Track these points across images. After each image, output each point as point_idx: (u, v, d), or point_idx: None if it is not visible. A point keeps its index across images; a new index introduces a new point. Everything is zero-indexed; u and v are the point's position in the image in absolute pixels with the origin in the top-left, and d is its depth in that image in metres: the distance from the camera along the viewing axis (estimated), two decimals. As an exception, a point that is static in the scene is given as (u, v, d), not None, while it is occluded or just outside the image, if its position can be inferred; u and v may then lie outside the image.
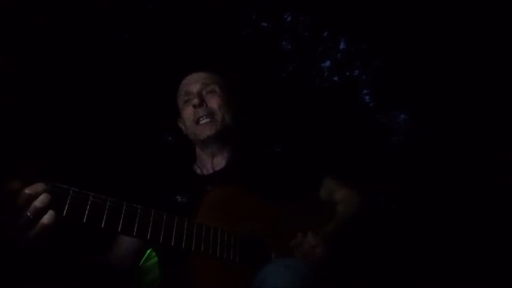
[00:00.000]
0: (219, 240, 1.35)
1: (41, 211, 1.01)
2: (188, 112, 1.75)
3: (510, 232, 2.54)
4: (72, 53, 2.51)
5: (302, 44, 2.99)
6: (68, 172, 1.11)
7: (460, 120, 2.80)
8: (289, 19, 2.98)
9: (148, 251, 1.80)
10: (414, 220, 2.80)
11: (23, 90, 2.25)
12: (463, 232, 2.69)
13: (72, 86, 2.52)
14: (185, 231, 1.26)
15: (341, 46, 2.98)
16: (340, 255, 1.45)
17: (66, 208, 1.03)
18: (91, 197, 1.07)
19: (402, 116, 2.94)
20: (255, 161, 1.80)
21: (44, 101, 2.34)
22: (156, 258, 1.76)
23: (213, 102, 1.73)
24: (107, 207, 1.09)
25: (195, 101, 1.71)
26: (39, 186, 1.02)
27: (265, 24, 2.99)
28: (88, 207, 1.06)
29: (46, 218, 1.02)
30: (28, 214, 1.00)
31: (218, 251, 1.33)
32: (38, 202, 1.01)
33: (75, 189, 1.05)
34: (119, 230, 1.10)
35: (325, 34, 2.99)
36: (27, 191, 1.00)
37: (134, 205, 1.15)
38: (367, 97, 2.98)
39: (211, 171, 1.76)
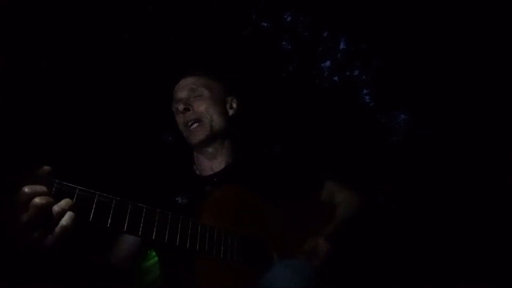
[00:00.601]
0: (222, 241, 1.34)
1: (42, 212, 1.00)
2: (179, 119, 1.77)
3: (510, 232, 2.55)
4: (73, 53, 2.50)
5: (302, 44, 2.99)
6: (68, 172, 1.10)
7: (460, 120, 2.80)
8: (289, 19, 2.98)
9: (149, 251, 1.80)
10: (414, 220, 2.81)
11: (24, 90, 2.24)
12: (463, 232, 2.69)
13: (73, 86, 2.51)
14: (189, 231, 1.25)
15: (341, 46, 2.99)
16: (341, 256, 1.46)
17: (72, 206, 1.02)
18: (97, 196, 1.06)
19: (402, 116, 2.94)
20: (255, 162, 1.80)
21: (45, 101, 2.34)
22: (156, 258, 1.76)
23: (200, 105, 1.73)
24: (113, 206, 1.08)
25: (181, 107, 1.72)
26: (38, 187, 1.01)
27: (265, 24, 2.99)
28: (94, 206, 1.05)
29: (65, 220, 1.02)
30: (31, 214, 1.00)
31: (222, 252, 1.33)
32: (38, 200, 1.00)
33: (81, 188, 1.05)
34: (124, 229, 1.10)
35: (325, 34, 2.99)
36: (26, 190, 0.99)
37: (140, 204, 1.15)
38: (367, 97, 2.99)
39: (210, 172, 1.76)
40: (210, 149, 1.74)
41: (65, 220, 1.02)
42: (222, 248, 1.33)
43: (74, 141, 2.41)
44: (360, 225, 1.71)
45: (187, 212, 1.35)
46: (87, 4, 2.55)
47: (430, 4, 2.79)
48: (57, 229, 1.02)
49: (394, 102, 2.94)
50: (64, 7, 2.47)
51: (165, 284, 1.61)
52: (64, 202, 1.02)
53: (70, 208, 1.02)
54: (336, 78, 3.01)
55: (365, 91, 2.99)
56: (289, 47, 3.02)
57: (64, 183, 1.03)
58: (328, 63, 3.01)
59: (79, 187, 1.05)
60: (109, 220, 1.07)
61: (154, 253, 1.77)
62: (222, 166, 1.76)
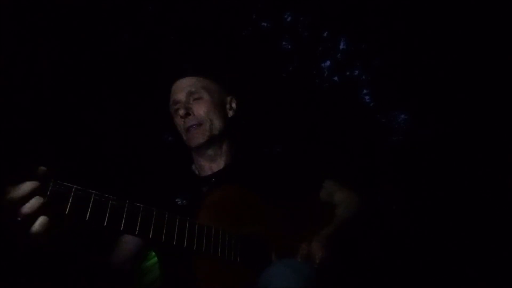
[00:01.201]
0: (220, 241, 1.34)
1: (30, 216, 1.00)
2: (177, 121, 1.75)
3: (510, 232, 2.54)
4: (73, 53, 2.51)
5: (302, 44, 2.99)
6: (68, 172, 1.10)
7: (460, 120, 2.80)
8: (289, 19, 2.98)
9: (148, 251, 1.80)
10: (414, 220, 2.80)
11: (24, 90, 2.25)
12: (463, 232, 2.69)
13: (72, 86, 2.51)
14: (186, 231, 1.25)
15: (341, 46, 2.98)
16: (340, 256, 1.45)
17: (68, 206, 1.02)
18: (93, 195, 1.06)
19: (402, 116, 2.94)
20: (255, 162, 1.79)
21: (45, 101, 2.34)
22: (156, 258, 1.76)
23: (200, 109, 1.71)
24: (109, 205, 1.08)
25: (181, 112, 1.70)
26: (28, 185, 1.00)
27: (265, 24, 2.99)
28: (90, 205, 1.05)
29: (35, 227, 1.01)
30: (23, 214, 1.00)
31: (219, 251, 1.32)
32: (25, 208, 1.00)
33: (78, 187, 1.05)
34: (121, 228, 1.10)
35: (325, 34, 2.99)
36: (22, 188, 0.99)
37: (136, 204, 1.15)
38: (367, 97, 2.98)
39: (209, 173, 1.76)
40: (209, 151, 1.74)
41: (36, 225, 1.01)
42: (219, 247, 1.33)
43: (72, 141, 2.41)
44: (359, 225, 1.71)
45: (186, 212, 1.35)
46: (87, 4, 2.55)
47: (430, 4, 2.79)
48: (32, 230, 1.01)
49: (394, 102, 2.94)
50: (64, 7, 2.47)
51: (165, 284, 1.61)
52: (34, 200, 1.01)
53: (42, 206, 1.01)
54: (336, 78, 3.01)
55: (365, 91, 2.99)
56: (289, 47, 3.02)
57: (60, 182, 1.03)
58: (328, 63, 3.01)
59: (75, 186, 1.05)
60: (106, 220, 1.07)
61: (154, 253, 1.77)
62: (222, 166, 1.76)
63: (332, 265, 1.36)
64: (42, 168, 1.04)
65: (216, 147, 1.75)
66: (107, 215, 1.08)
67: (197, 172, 1.79)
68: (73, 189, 1.04)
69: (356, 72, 3.00)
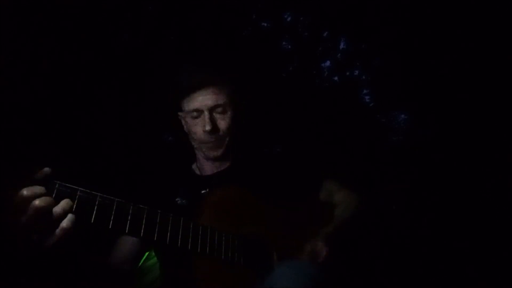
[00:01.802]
0: (223, 242, 1.35)
1: (42, 214, 1.00)
2: (197, 129, 1.71)
3: (510, 232, 2.55)
4: (73, 53, 2.50)
5: (302, 44, 2.98)
6: (69, 173, 1.10)
7: (460, 120, 2.81)
8: (289, 19, 2.98)
9: (148, 251, 1.80)
10: (414, 220, 2.81)
11: (24, 91, 2.24)
12: (463, 232, 2.69)
13: (72, 86, 2.51)
14: (191, 233, 1.25)
15: (341, 46, 2.98)
16: (341, 256, 1.46)
17: (74, 208, 1.02)
18: (98, 198, 1.06)
19: (402, 116, 2.94)
20: (256, 162, 1.80)
21: (45, 101, 2.33)
22: (156, 258, 1.76)
23: (224, 124, 1.69)
24: (114, 207, 1.08)
25: (208, 128, 1.66)
26: (37, 189, 1.01)
27: (265, 24, 2.98)
28: (96, 207, 1.05)
29: (65, 222, 1.02)
30: (30, 216, 1.00)
31: (222, 253, 1.33)
32: (37, 202, 1.00)
33: (82, 189, 1.05)
34: (126, 231, 1.10)
35: (325, 34, 2.99)
36: (25, 192, 0.99)
37: (141, 206, 1.15)
38: (367, 97, 2.98)
39: (210, 172, 1.76)
40: (216, 160, 1.75)
41: (66, 222, 1.02)
42: (222, 249, 1.33)
43: (74, 142, 2.41)
44: (359, 225, 1.72)
45: (186, 212, 1.35)
46: (87, 4, 2.54)
47: (430, 4, 2.79)
48: (58, 231, 1.02)
49: (394, 102, 2.94)
50: (64, 7, 2.47)
51: (165, 284, 1.61)
52: (64, 203, 1.02)
53: (70, 209, 1.02)
54: (336, 78, 3.01)
55: (365, 91, 2.99)
56: (289, 47, 3.01)
57: (65, 184, 1.03)
58: (328, 63, 3.00)
59: (80, 188, 1.04)
60: (111, 222, 1.07)
61: (154, 253, 1.77)
62: (223, 167, 1.76)
63: (333, 265, 1.36)
64: (46, 169, 1.04)
65: (224, 156, 1.75)
66: (112, 217, 1.08)
67: (197, 172, 1.79)
68: (78, 191, 1.04)
69: (356, 72, 3.00)
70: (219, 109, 1.69)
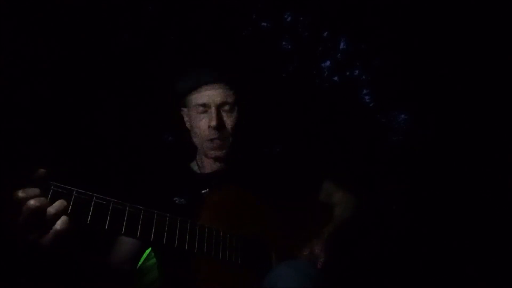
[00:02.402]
0: (221, 242, 1.34)
1: (54, 217, 1.01)
2: (202, 125, 1.71)
3: (510, 232, 2.54)
4: (73, 53, 2.50)
5: (302, 44, 2.98)
6: (65, 174, 1.10)
7: (460, 120, 2.80)
8: (289, 19, 2.97)
9: (148, 251, 1.80)
10: (414, 220, 2.81)
11: (23, 90, 2.24)
12: (463, 232, 2.69)
13: (73, 86, 2.51)
14: (188, 233, 1.25)
15: (341, 46, 2.98)
16: (340, 256, 1.46)
17: (69, 209, 1.02)
18: (94, 198, 1.06)
19: (402, 116, 2.94)
20: (255, 162, 1.79)
21: (45, 101, 2.33)
22: (156, 258, 1.76)
23: (229, 124, 1.68)
24: (110, 208, 1.08)
25: (214, 124, 1.65)
26: (31, 190, 1.01)
27: (265, 24, 2.98)
28: (91, 208, 1.05)
29: (59, 224, 1.02)
30: (26, 217, 1.00)
31: (220, 253, 1.32)
32: (32, 202, 1.00)
33: (79, 190, 1.05)
34: (122, 231, 1.10)
35: (325, 34, 2.99)
36: (20, 193, 0.99)
37: (138, 206, 1.15)
38: (367, 97, 2.98)
39: (209, 170, 1.76)
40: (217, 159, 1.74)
41: (59, 224, 1.02)
42: (220, 249, 1.33)
43: (72, 142, 2.41)
44: (359, 225, 1.71)
45: (185, 212, 1.35)
46: (87, 4, 2.54)
47: (430, 5, 2.78)
48: (52, 232, 1.02)
49: (394, 102, 2.94)
50: (64, 7, 2.47)
51: (165, 284, 1.61)
52: (59, 203, 1.02)
53: (65, 209, 1.02)
54: (336, 78, 3.00)
55: (365, 91, 2.99)
56: (289, 47, 3.01)
57: (61, 185, 1.03)
58: (328, 63, 3.00)
59: (76, 189, 1.04)
60: (107, 223, 1.07)
61: (154, 253, 1.77)
62: (223, 166, 1.76)
63: (333, 265, 1.36)
64: (42, 170, 1.04)
65: (227, 155, 1.74)
66: (108, 218, 1.07)
67: (197, 170, 1.79)
68: (74, 192, 1.04)
69: (356, 72, 2.99)
70: (227, 107, 1.68)
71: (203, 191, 1.62)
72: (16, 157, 1.01)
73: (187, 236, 1.24)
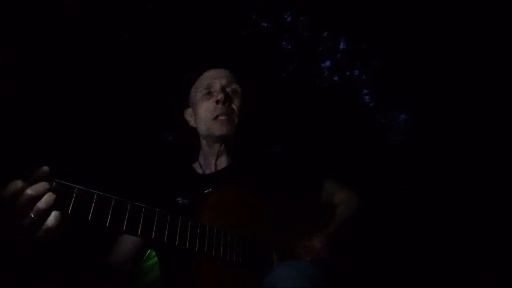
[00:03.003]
0: (222, 241, 1.34)
1: (45, 212, 1.00)
2: (207, 106, 1.72)
3: (510, 232, 2.54)
4: (73, 54, 2.50)
5: (302, 44, 2.98)
6: (69, 171, 1.09)
7: (460, 120, 2.80)
8: (289, 19, 2.97)
9: (148, 251, 1.80)
10: (414, 220, 2.81)
11: (25, 90, 2.24)
12: (463, 232, 2.69)
13: (73, 86, 2.51)
14: (189, 231, 1.25)
15: (341, 46, 2.98)
16: (341, 256, 1.45)
17: (71, 206, 1.02)
18: (95, 196, 1.06)
19: (402, 116, 2.93)
20: (256, 162, 1.79)
21: (45, 101, 2.33)
22: (156, 258, 1.76)
23: (235, 103, 1.71)
24: (111, 206, 1.08)
25: (221, 96, 1.67)
26: (42, 186, 1.01)
27: (265, 24, 2.98)
28: (93, 205, 1.05)
29: (51, 220, 1.01)
30: (32, 216, 1.00)
31: (221, 252, 1.32)
32: (41, 204, 1.00)
33: (80, 187, 1.04)
34: (123, 229, 1.10)
35: (325, 34, 2.99)
36: (29, 191, 0.99)
37: (139, 204, 1.14)
38: (367, 97, 2.98)
39: (213, 169, 1.76)
40: (222, 146, 1.74)
41: (51, 220, 1.01)
42: (221, 248, 1.33)
43: (74, 141, 2.41)
44: (360, 225, 1.71)
45: (187, 212, 1.34)
46: (87, 4, 2.54)
47: (430, 5, 2.79)
48: (44, 228, 1.01)
49: (394, 102, 2.94)
50: (64, 7, 2.47)
51: (165, 284, 1.61)
52: (46, 196, 1.01)
53: (46, 191, 1.01)
54: (336, 78, 3.00)
55: (365, 91, 2.98)
56: (289, 47, 3.01)
57: (63, 182, 1.03)
58: (328, 63, 3.00)
59: (77, 186, 1.04)
60: (108, 220, 1.07)
61: (154, 253, 1.77)
62: (224, 165, 1.76)
63: (333, 265, 1.36)
64: (45, 168, 1.03)
65: (228, 144, 1.75)
66: (109, 215, 1.07)
67: (199, 170, 1.79)
68: (76, 189, 1.04)
69: (356, 72, 2.99)
70: (232, 88, 1.71)
71: (206, 191, 1.62)
72: (19, 155, 1.00)
73: (188, 235, 1.24)
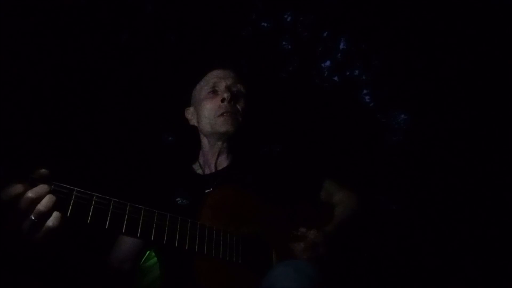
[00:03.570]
0: (221, 241, 1.35)
1: (45, 214, 1.01)
2: (212, 104, 1.74)
3: (510, 232, 2.54)
4: (72, 54, 2.50)
5: (302, 44, 2.98)
6: (68, 173, 1.10)
7: (460, 120, 2.80)
8: (289, 19, 2.97)
9: (148, 251, 1.80)
10: (414, 220, 2.81)
11: (23, 91, 2.24)
12: (463, 232, 2.69)
13: (72, 87, 2.51)
14: (188, 232, 1.26)
15: (341, 46, 2.97)
16: (341, 256, 1.46)
17: (70, 208, 1.03)
18: (95, 198, 1.07)
19: (402, 116, 2.93)
20: (256, 162, 1.80)
21: (44, 102, 2.33)
22: (156, 258, 1.76)
23: (240, 103, 1.73)
24: (111, 207, 1.09)
25: (227, 95, 1.69)
26: (42, 188, 1.01)
27: (265, 24, 2.98)
28: (92, 207, 1.06)
29: (51, 221, 1.01)
30: (33, 218, 1.00)
31: (221, 252, 1.33)
32: (41, 206, 1.00)
33: (79, 189, 1.05)
34: (123, 231, 1.10)
35: (325, 34, 2.98)
36: (30, 194, 0.99)
37: (138, 206, 1.15)
38: (367, 97, 2.97)
39: (213, 170, 1.77)
40: (224, 144, 1.75)
41: (52, 220, 1.02)
42: (221, 248, 1.34)
43: (72, 142, 2.41)
44: (359, 225, 1.72)
45: (187, 212, 1.35)
46: (87, 4, 2.54)
47: (430, 5, 2.79)
48: (44, 229, 1.01)
49: (394, 102, 2.93)
50: (63, 7, 2.47)
51: (165, 284, 1.62)
52: (46, 198, 1.01)
53: (46, 193, 1.01)
54: (336, 78, 3.00)
55: (365, 91, 2.98)
56: (289, 47, 3.01)
57: (62, 184, 1.04)
58: (328, 63, 2.99)
59: (76, 188, 1.05)
60: (107, 222, 1.07)
61: (154, 253, 1.78)
62: (224, 165, 1.77)
63: (332, 264, 1.36)
64: (44, 170, 1.04)
65: (230, 143, 1.76)
66: (108, 217, 1.08)
67: (199, 171, 1.79)
68: (74, 191, 1.05)
69: (356, 72, 2.98)
70: (236, 89, 1.73)
71: (206, 191, 1.62)
72: (18, 158, 1.01)
73: (188, 236, 1.25)
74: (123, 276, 1.63)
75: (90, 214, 1.04)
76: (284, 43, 3.01)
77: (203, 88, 1.81)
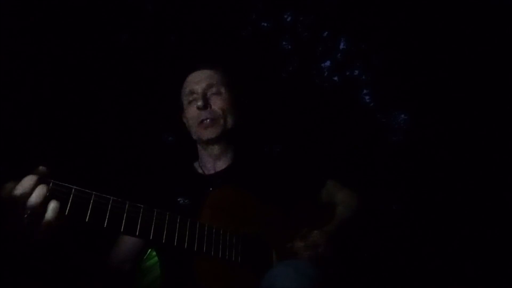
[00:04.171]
0: (221, 241, 1.34)
1: (39, 207, 1.00)
2: (191, 112, 1.74)
3: (510, 232, 2.54)
4: (72, 54, 2.50)
5: (302, 44, 2.98)
6: (68, 172, 1.10)
7: (460, 120, 2.80)
8: (289, 19, 2.97)
9: (149, 251, 1.80)
10: (414, 220, 2.80)
11: (23, 90, 2.24)
12: (463, 232, 2.69)
13: (72, 86, 2.51)
14: (187, 231, 1.25)
15: (341, 46, 2.97)
16: (341, 256, 1.46)
17: (68, 207, 1.02)
18: (93, 196, 1.06)
19: (402, 116, 2.93)
20: (257, 162, 1.80)
21: (45, 101, 2.34)
22: (156, 258, 1.76)
23: (217, 104, 1.71)
24: (109, 206, 1.08)
25: (200, 103, 1.68)
26: (28, 181, 1.00)
27: (265, 24, 2.98)
28: (90, 206, 1.05)
29: (49, 214, 1.01)
30: (28, 212, 1.00)
31: (220, 252, 1.33)
32: (33, 198, 0.99)
33: (78, 188, 1.05)
34: (121, 230, 1.10)
35: (325, 34, 2.98)
36: (17, 190, 0.99)
37: (137, 204, 1.15)
38: (367, 97, 2.97)
39: (212, 171, 1.76)
40: (216, 148, 1.74)
41: (49, 213, 1.01)
42: (220, 248, 1.33)
43: (73, 142, 2.41)
44: (359, 225, 1.71)
45: (188, 212, 1.35)
46: (87, 4, 2.55)
47: (430, 4, 2.79)
48: (44, 223, 1.01)
49: (394, 102, 2.94)
50: (63, 7, 2.47)
51: (165, 284, 1.61)
52: (38, 189, 1.00)
53: (35, 185, 1.00)
54: (336, 78, 3.00)
55: (365, 91, 2.98)
56: (289, 47, 3.01)
57: (60, 183, 1.03)
58: (328, 63, 3.00)
59: (75, 187, 1.04)
60: (106, 221, 1.07)
61: (154, 253, 1.77)
62: (224, 166, 1.76)
63: (332, 264, 1.36)
64: (42, 168, 1.04)
65: (223, 145, 1.75)
66: (107, 216, 1.08)
67: (199, 170, 1.79)
68: (73, 190, 1.04)
69: (356, 72, 2.99)
70: (213, 89, 1.72)
71: (206, 191, 1.62)
72: (17, 155, 1.01)
73: (187, 235, 1.25)
74: (123, 276, 1.63)
75: (89, 212, 1.04)
76: (284, 43, 3.01)
77: (183, 95, 1.80)
